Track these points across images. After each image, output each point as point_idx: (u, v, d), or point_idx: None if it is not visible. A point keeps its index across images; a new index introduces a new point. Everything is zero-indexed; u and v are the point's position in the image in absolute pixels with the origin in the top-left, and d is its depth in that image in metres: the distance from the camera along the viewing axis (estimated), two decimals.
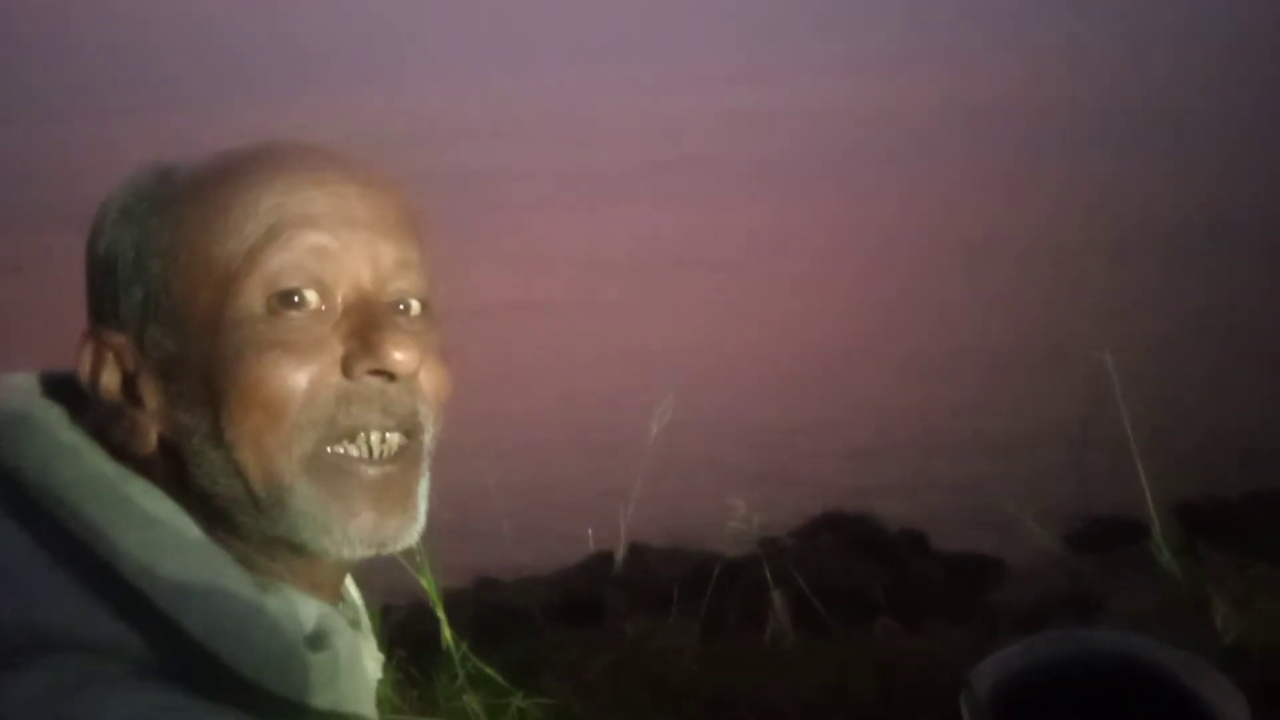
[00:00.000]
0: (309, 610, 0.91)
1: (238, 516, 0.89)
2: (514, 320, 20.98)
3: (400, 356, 0.88)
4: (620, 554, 3.35)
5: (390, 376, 0.89)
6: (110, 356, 0.90)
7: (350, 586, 1.03)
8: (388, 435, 0.90)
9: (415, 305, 0.93)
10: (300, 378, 0.87)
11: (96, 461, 0.88)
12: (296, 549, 0.91)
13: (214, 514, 0.89)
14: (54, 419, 0.90)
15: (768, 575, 3.89)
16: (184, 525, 0.87)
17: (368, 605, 1.03)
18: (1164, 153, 31.87)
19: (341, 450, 0.88)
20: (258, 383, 0.86)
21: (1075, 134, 37.67)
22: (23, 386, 0.92)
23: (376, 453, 0.89)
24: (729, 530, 3.50)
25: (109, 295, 0.91)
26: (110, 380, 0.90)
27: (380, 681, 1.03)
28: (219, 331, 0.87)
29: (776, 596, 4.51)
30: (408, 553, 3.02)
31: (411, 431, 0.91)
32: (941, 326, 19.28)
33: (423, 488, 0.93)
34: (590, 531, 4.02)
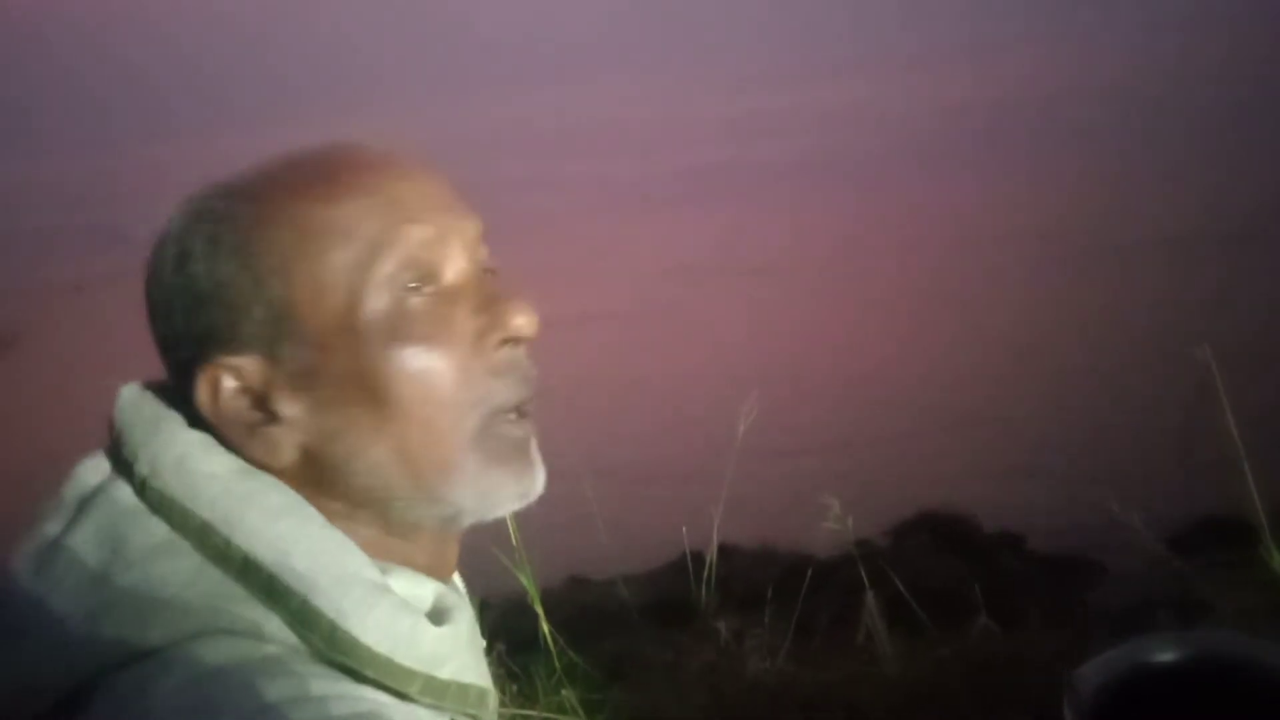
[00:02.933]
0: (427, 589, 0.95)
1: (384, 504, 0.94)
2: (584, 330, 21.12)
3: (525, 320, 0.94)
4: (711, 557, 3.35)
5: (516, 343, 0.94)
6: (231, 380, 0.93)
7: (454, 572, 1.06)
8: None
9: (493, 267, 0.99)
10: (450, 362, 0.92)
11: (221, 460, 0.92)
12: (420, 530, 0.96)
13: (343, 507, 0.94)
14: (175, 424, 0.94)
15: (863, 576, 3.86)
16: (311, 514, 0.91)
17: (470, 598, 1.07)
18: (1242, 141, 30.93)
19: (500, 421, 0.94)
20: (414, 375, 0.90)
21: (1145, 124, 36.74)
22: (138, 399, 0.96)
23: (518, 416, 0.95)
24: (822, 530, 3.48)
25: (221, 322, 0.93)
26: (238, 402, 0.93)
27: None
28: (357, 336, 0.90)
29: (870, 598, 4.47)
30: (505, 550, 3.06)
31: (535, 396, 0.97)
32: (1025, 323, 18.95)
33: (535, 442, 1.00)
34: (684, 530, 4.03)
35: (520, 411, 0.95)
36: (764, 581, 6.95)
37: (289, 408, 0.92)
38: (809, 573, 4.41)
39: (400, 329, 0.90)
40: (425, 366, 0.90)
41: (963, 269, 23.47)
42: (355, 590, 0.88)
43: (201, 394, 0.93)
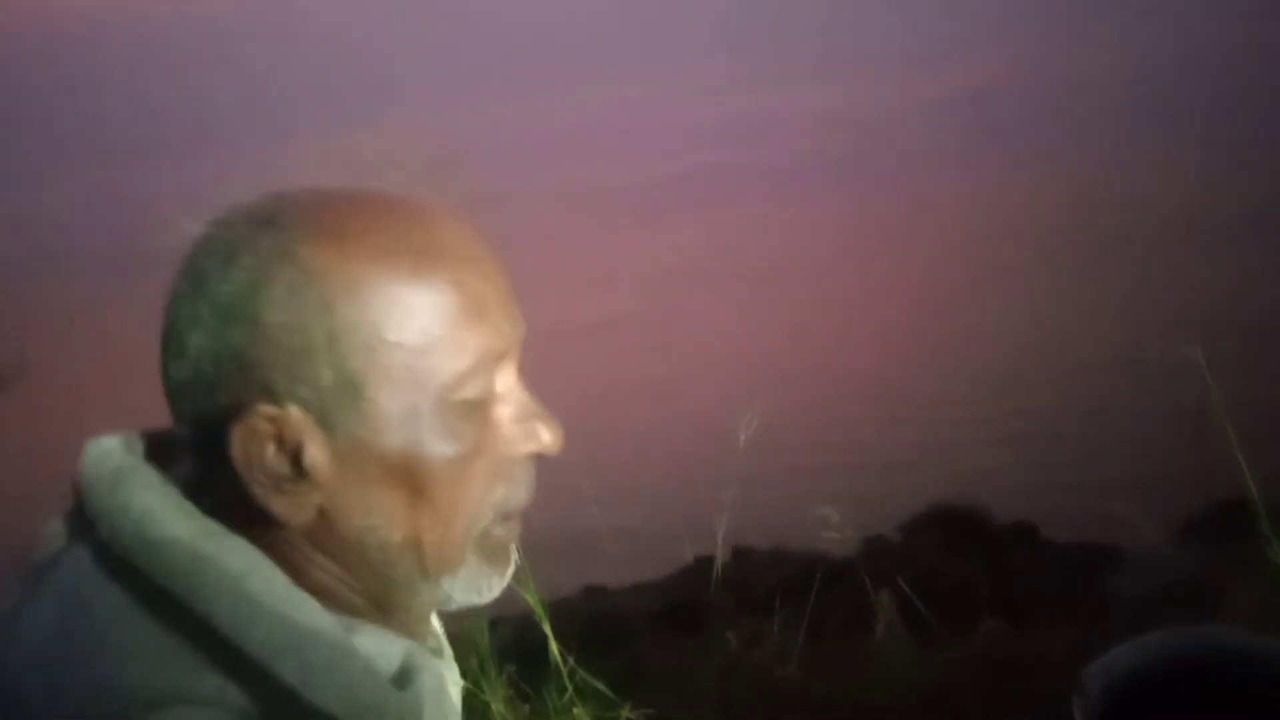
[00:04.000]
0: (395, 649, 0.94)
1: (383, 581, 0.95)
2: (587, 339, 21.13)
3: (552, 438, 0.97)
4: (719, 562, 3.36)
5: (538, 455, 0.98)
6: (272, 432, 0.90)
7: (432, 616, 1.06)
8: None
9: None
10: (484, 467, 0.94)
11: (188, 519, 0.90)
12: (402, 598, 0.96)
13: (333, 566, 0.94)
14: (147, 479, 0.92)
15: (866, 579, 3.86)
16: (272, 575, 0.90)
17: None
18: (1234, 135, 30.84)
19: (504, 524, 0.97)
20: (455, 478, 0.93)
21: (1134, 116, 36.69)
22: (113, 449, 0.94)
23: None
24: (825, 539, 3.48)
25: (282, 375, 0.90)
26: (274, 456, 0.90)
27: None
28: (416, 427, 0.91)
29: (883, 598, 4.46)
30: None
31: None
32: (1024, 315, 18.92)
33: None
34: (687, 542, 4.03)
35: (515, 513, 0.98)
36: (777, 582, 6.94)
37: (323, 472, 0.91)
38: (819, 575, 4.40)
39: (456, 431, 0.92)
40: (466, 470, 0.93)
41: (960, 265, 23.46)
42: (317, 655, 0.87)
43: (237, 441, 0.90)
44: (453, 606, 0.98)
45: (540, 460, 0.99)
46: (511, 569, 0.98)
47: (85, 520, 0.92)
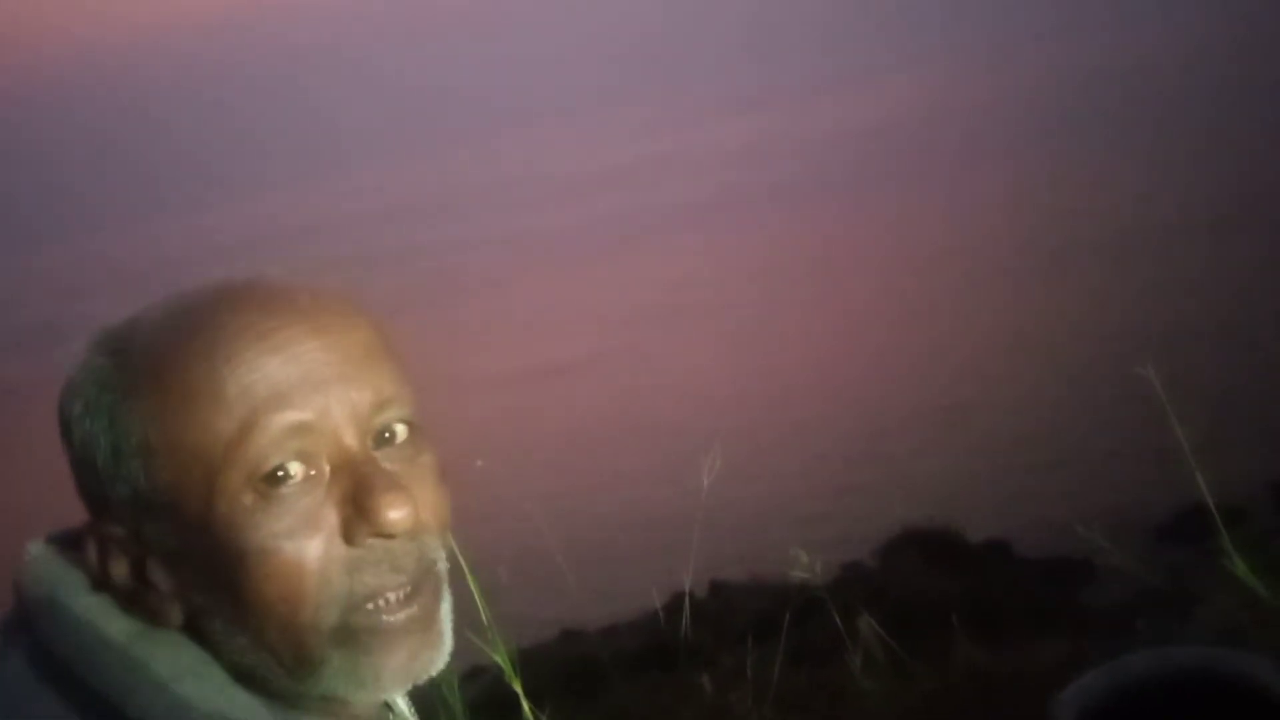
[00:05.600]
0: None
1: (269, 678, 0.90)
2: (546, 382, 21.11)
3: (395, 516, 0.88)
4: (687, 606, 3.33)
5: (386, 536, 0.90)
6: (115, 546, 0.90)
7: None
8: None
9: (401, 431, 0.92)
10: (307, 560, 0.87)
11: (119, 623, 0.89)
12: (310, 692, 0.92)
13: (245, 666, 0.90)
14: (75, 588, 0.90)
15: (840, 608, 3.84)
16: (210, 674, 0.88)
17: (444, 676, 1.03)
18: (1198, 140, 31.36)
19: (365, 611, 0.90)
20: (267, 576, 0.87)
21: (1079, 132, 37.20)
22: (43, 558, 0.93)
23: (396, 600, 0.90)
24: (795, 577, 3.46)
25: (97, 490, 0.90)
26: (120, 569, 0.90)
27: None
28: (214, 527, 0.87)
29: (861, 624, 4.44)
30: (478, 626, 3.02)
31: (424, 576, 0.92)
32: (981, 335, 19.07)
33: (444, 610, 0.94)
34: (654, 584, 4.01)
35: (401, 596, 0.90)
36: (753, 614, 6.91)
37: (162, 580, 0.89)
38: (793, 607, 4.38)
39: (255, 524, 0.86)
40: (280, 565, 0.86)
41: (923, 289, 23.66)
42: None
43: (89, 555, 0.90)
44: (365, 699, 0.91)
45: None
46: (423, 652, 0.91)
47: (21, 624, 0.90)
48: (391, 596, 0.90)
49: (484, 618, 2.72)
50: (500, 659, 2.72)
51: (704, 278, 29.70)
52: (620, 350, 23.70)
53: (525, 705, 2.79)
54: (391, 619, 0.90)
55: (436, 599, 0.92)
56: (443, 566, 0.94)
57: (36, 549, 0.93)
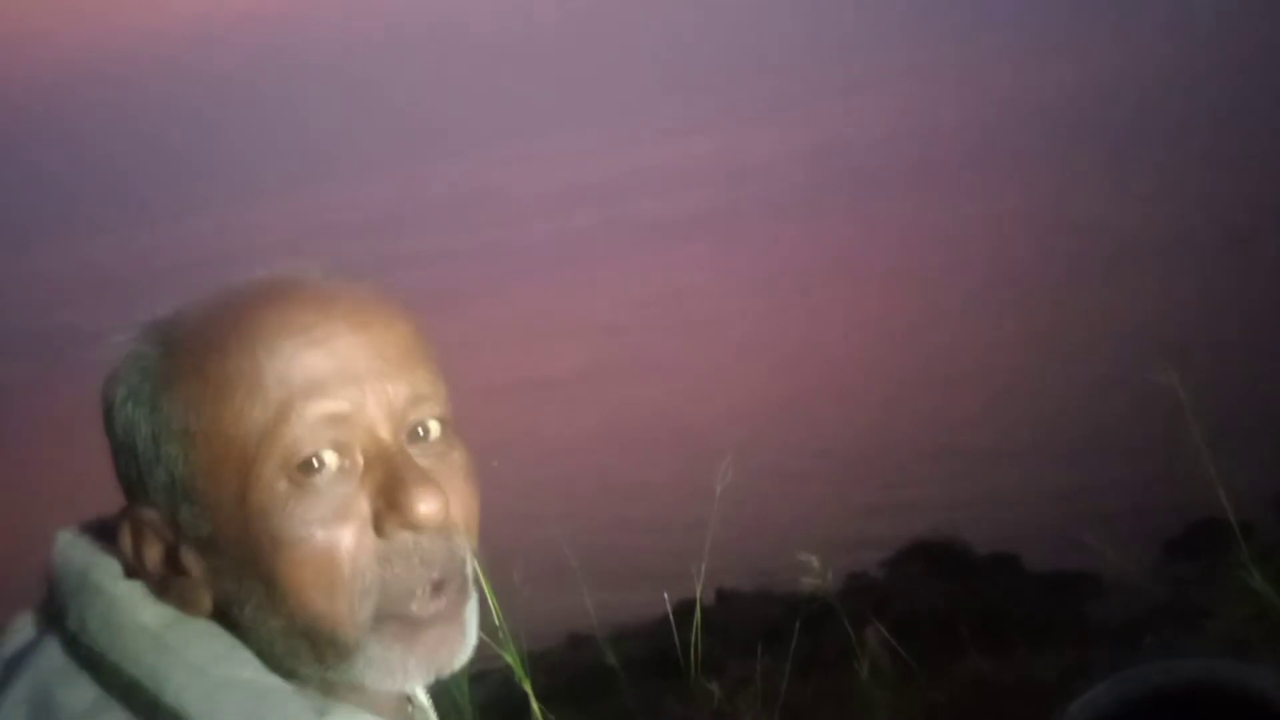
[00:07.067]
0: None
1: (298, 666, 0.92)
2: (550, 391, 21.08)
3: (425, 510, 0.89)
4: (698, 613, 3.34)
5: (417, 529, 0.91)
6: (149, 531, 0.92)
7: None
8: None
9: (434, 427, 0.93)
10: (339, 549, 0.89)
11: (152, 610, 0.90)
12: (337, 679, 0.93)
13: (276, 652, 0.92)
14: (108, 574, 0.92)
15: (849, 618, 3.85)
16: (241, 662, 0.89)
17: (455, 676, 1.04)
18: (1195, 157, 31.24)
19: (396, 601, 0.91)
20: (299, 563, 0.88)
21: (1089, 144, 37.10)
22: (76, 545, 0.94)
23: (424, 594, 0.92)
24: (805, 585, 3.47)
25: (135, 476, 0.92)
26: (153, 555, 0.92)
27: None
28: (248, 514, 0.87)
29: (869, 634, 4.43)
30: (490, 627, 3.03)
31: (453, 572, 0.93)
32: (991, 345, 19.00)
33: (470, 608, 0.95)
34: (667, 590, 4.02)
35: (433, 588, 0.91)
36: (761, 623, 6.90)
37: (194, 567, 0.91)
38: (804, 617, 4.38)
39: (290, 513, 0.88)
40: (312, 552, 0.88)
41: (930, 296, 23.60)
42: None
43: (123, 541, 0.92)
44: (391, 687, 0.93)
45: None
46: (452, 646, 0.92)
47: (55, 612, 0.92)
48: (420, 590, 0.91)
49: (496, 618, 2.73)
50: (511, 659, 2.73)
51: (703, 288, 29.69)
52: (624, 360, 23.71)
53: (535, 705, 2.80)
54: (421, 611, 0.91)
55: (463, 595, 0.94)
56: (471, 565, 0.95)
57: (66, 537, 0.95)
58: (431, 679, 0.94)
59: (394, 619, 0.90)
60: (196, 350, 0.91)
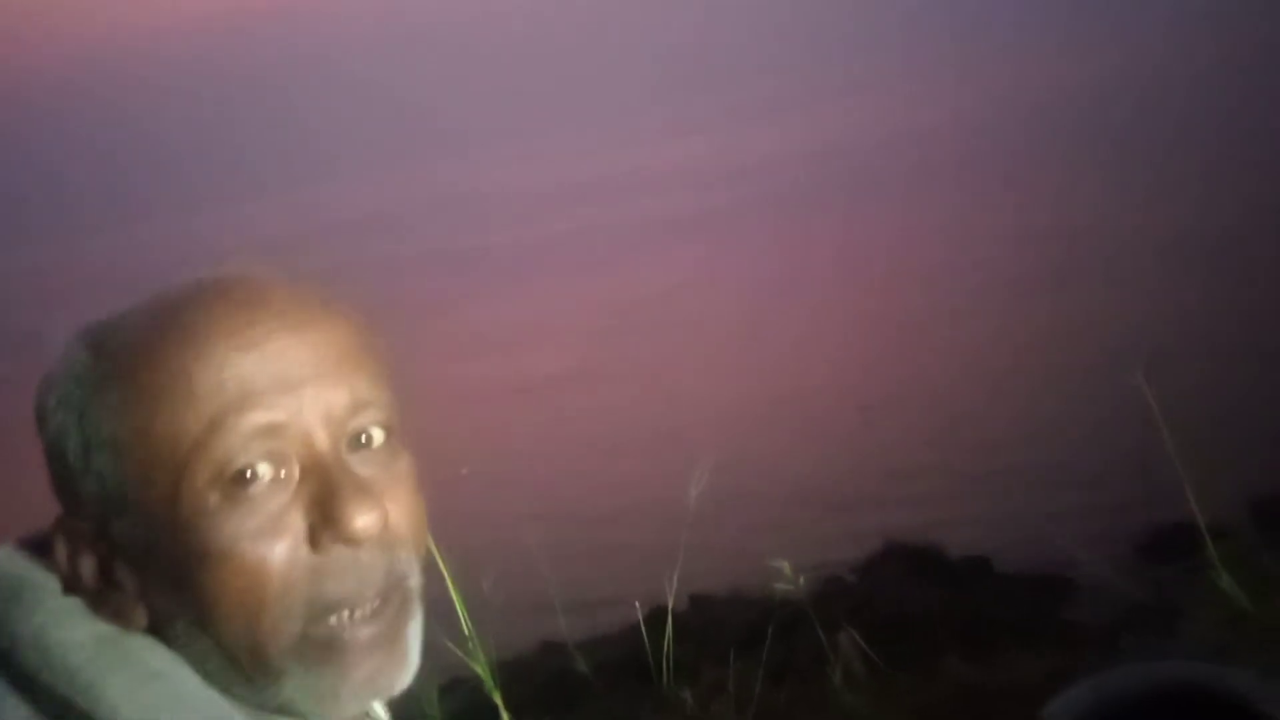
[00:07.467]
0: None
1: (231, 685, 0.88)
2: (528, 395, 21.09)
3: (361, 523, 0.85)
4: (669, 619, 3.32)
5: (352, 543, 0.86)
6: (83, 544, 0.88)
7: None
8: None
9: (377, 435, 0.89)
10: (269, 564, 0.85)
11: (87, 626, 0.86)
12: (276, 702, 0.89)
13: (209, 674, 0.88)
14: (43, 591, 0.88)
15: (822, 623, 3.83)
16: (183, 677, 0.86)
17: (424, 688, 0.99)
18: (1183, 161, 31.54)
19: (327, 623, 0.86)
20: (228, 578, 0.84)
21: (1081, 147, 37.45)
22: (14, 557, 0.90)
23: (360, 615, 0.87)
24: (778, 590, 3.45)
25: (67, 485, 0.88)
26: (87, 567, 0.88)
27: None
28: (179, 527, 0.84)
29: (842, 639, 4.42)
30: (460, 637, 2.99)
31: (392, 590, 0.88)
32: (968, 348, 19.13)
33: (413, 629, 0.90)
34: (637, 596, 3.99)
35: (367, 611, 0.86)
36: (735, 629, 6.88)
37: (128, 581, 0.87)
38: (777, 622, 4.36)
39: (219, 525, 0.84)
40: (241, 568, 0.84)
41: (903, 303, 23.72)
42: None
43: (58, 554, 0.88)
44: (324, 713, 0.88)
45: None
46: (385, 672, 0.87)
47: None
48: (356, 611, 0.86)
49: (465, 628, 2.69)
50: (480, 669, 2.69)
51: (696, 290, 29.76)
52: (609, 363, 23.71)
53: (505, 717, 2.77)
54: (354, 634, 0.86)
55: (404, 616, 0.89)
56: (414, 582, 0.90)
57: (5, 551, 0.91)
58: (366, 706, 0.89)
59: (319, 640, 0.85)
60: (127, 356, 0.87)
